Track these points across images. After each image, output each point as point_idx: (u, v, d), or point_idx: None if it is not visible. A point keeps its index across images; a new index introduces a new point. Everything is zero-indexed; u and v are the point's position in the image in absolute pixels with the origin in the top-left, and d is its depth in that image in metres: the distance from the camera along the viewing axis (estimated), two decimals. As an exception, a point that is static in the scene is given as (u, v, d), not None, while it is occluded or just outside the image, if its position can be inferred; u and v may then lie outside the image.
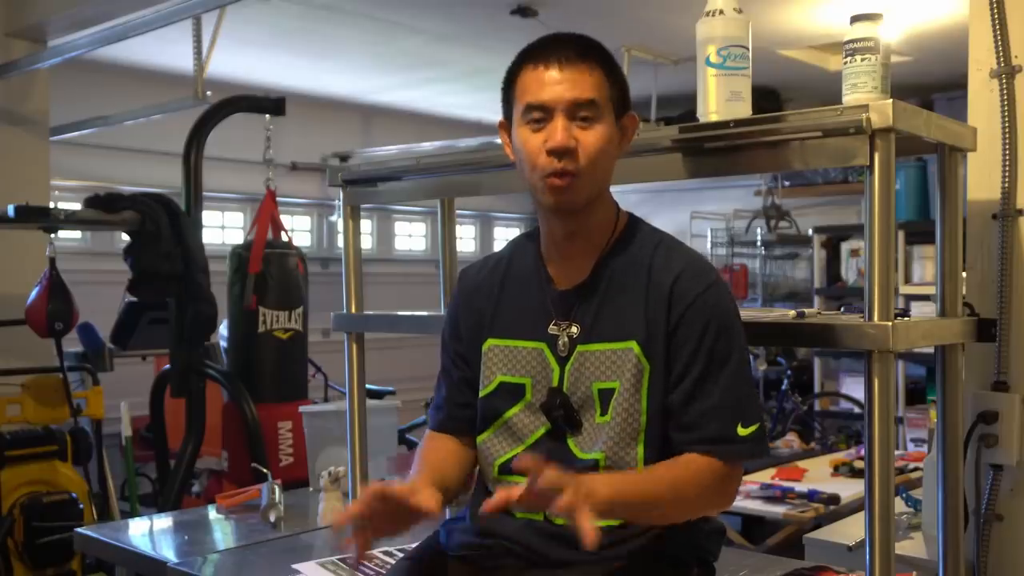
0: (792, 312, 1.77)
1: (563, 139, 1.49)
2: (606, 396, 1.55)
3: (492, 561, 1.61)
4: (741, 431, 1.50)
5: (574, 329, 1.59)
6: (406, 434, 5.13)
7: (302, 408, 3.16)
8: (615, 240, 1.61)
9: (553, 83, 1.50)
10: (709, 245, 7.42)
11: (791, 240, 7.31)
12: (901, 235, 5.51)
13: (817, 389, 6.58)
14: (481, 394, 1.66)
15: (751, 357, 1.65)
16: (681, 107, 5.72)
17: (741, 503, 3.42)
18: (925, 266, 5.73)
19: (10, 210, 3.59)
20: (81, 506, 3.80)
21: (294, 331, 4.13)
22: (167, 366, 4.14)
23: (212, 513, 2.68)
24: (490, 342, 1.66)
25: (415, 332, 2.60)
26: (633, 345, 1.53)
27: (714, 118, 1.72)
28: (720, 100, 1.72)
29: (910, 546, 2.29)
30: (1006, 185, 1.95)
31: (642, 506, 1.47)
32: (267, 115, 4.24)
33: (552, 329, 1.61)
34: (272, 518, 2.47)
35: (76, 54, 3.88)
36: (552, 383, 1.59)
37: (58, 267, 3.72)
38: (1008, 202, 1.95)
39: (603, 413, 1.55)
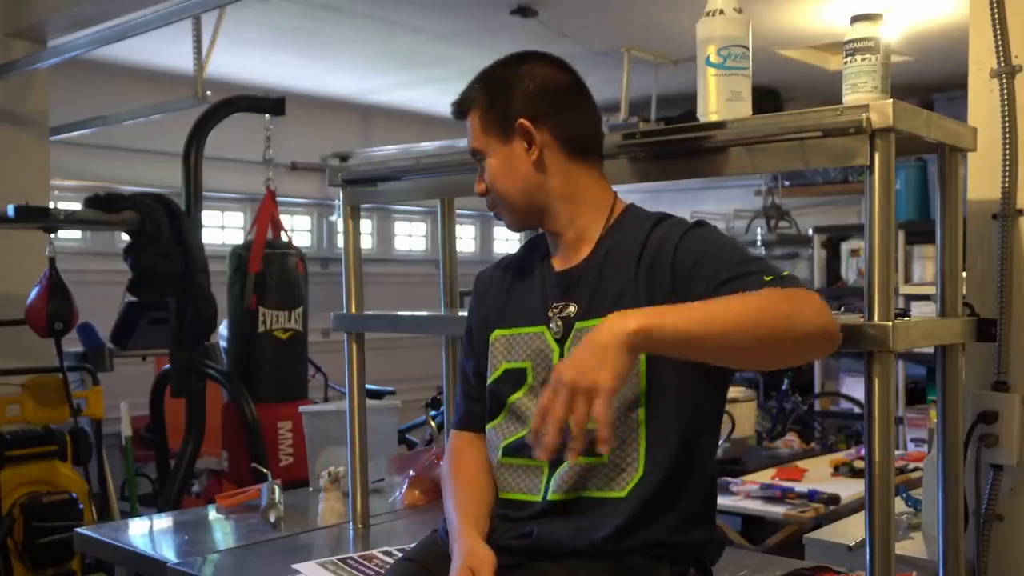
0: (792, 312, 1.76)
1: (477, 189, 1.73)
2: None
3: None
4: (767, 278, 1.45)
5: (572, 308, 1.64)
6: (406, 434, 5.13)
7: (302, 408, 3.16)
8: (611, 226, 1.66)
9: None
10: (709, 245, 7.41)
11: (791, 240, 7.31)
12: (901, 235, 5.51)
13: (817, 389, 6.58)
14: (489, 382, 1.72)
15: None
16: (681, 107, 5.70)
17: (741, 503, 3.42)
18: (925, 266, 5.73)
19: (10, 210, 3.59)
20: (81, 506, 3.80)
21: (294, 331, 4.14)
22: (167, 366, 4.14)
23: (212, 513, 2.68)
24: (496, 332, 1.73)
25: (415, 332, 2.61)
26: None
27: (714, 118, 1.71)
28: (720, 100, 1.72)
29: (910, 546, 2.29)
30: (1006, 185, 1.95)
31: (704, 324, 1.36)
32: (267, 115, 4.24)
33: (551, 311, 1.66)
34: (272, 518, 2.47)
35: (76, 54, 3.88)
36: (552, 363, 1.63)
37: (58, 267, 3.72)
38: (1008, 202, 1.95)
39: None
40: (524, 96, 1.64)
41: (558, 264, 1.70)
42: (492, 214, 1.76)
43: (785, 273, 1.48)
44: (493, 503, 1.68)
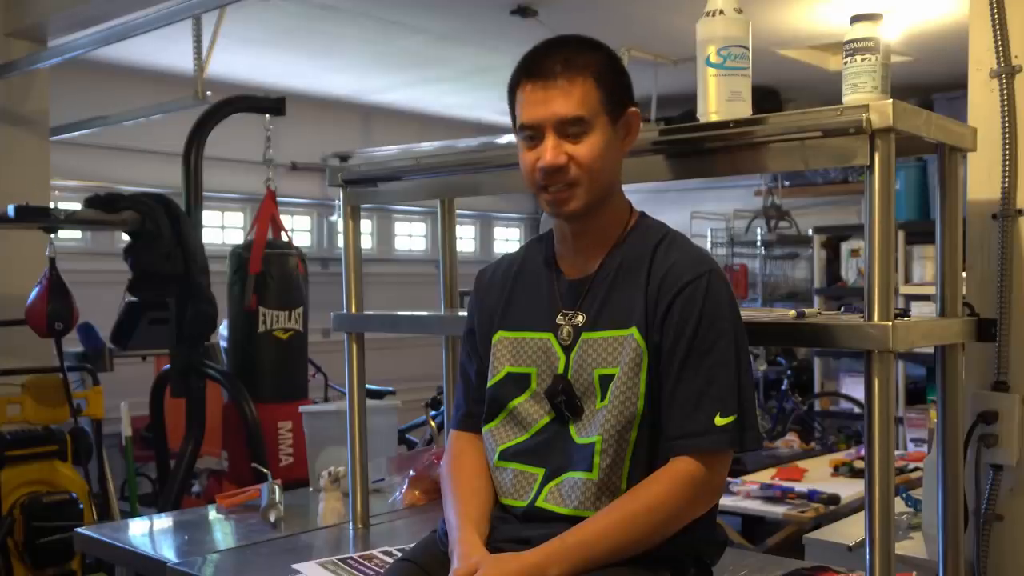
0: (792, 312, 1.77)
1: (551, 159, 1.55)
2: (606, 382, 1.58)
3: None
4: (719, 421, 1.51)
5: (580, 318, 1.63)
6: (406, 434, 5.14)
7: (302, 408, 3.16)
8: (625, 236, 1.65)
9: (539, 102, 1.55)
10: (709, 245, 7.42)
11: (791, 240, 7.31)
12: (901, 235, 5.51)
13: (817, 389, 6.58)
14: (489, 384, 1.70)
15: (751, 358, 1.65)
16: (681, 107, 5.71)
17: (741, 503, 3.42)
18: (925, 266, 5.73)
19: (10, 210, 3.59)
20: (81, 506, 3.80)
21: (294, 331, 4.13)
22: (167, 366, 4.14)
23: (212, 513, 2.68)
24: (500, 334, 1.71)
25: (415, 332, 2.61)
26: (634, 331, 1.56)
27: (714, 118, 1.72)
28: (720, 100, 1.72)
29: (910, 546, 2.30)
30: (1006, 185, 1.95)
31: (600, 556, 1.49)
32: (267, 115, 4.24)
33: (559, 319, 1.65)
34: (272, 518, 2.47)
35: (76, 54, 3.88)
36: (557, 371, 1.62)
37: (58, 267, 3.72)
38: (1008, 202, 1.95)
39: (603, 399, 1.58)
40: (630, 85, 1.62)
41: (568, 270, 1.68)
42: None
43: (731, 419, 1.51)
44: (493, 504, 1.68)
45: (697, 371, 1.53)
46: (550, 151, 1.54)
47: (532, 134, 1.57)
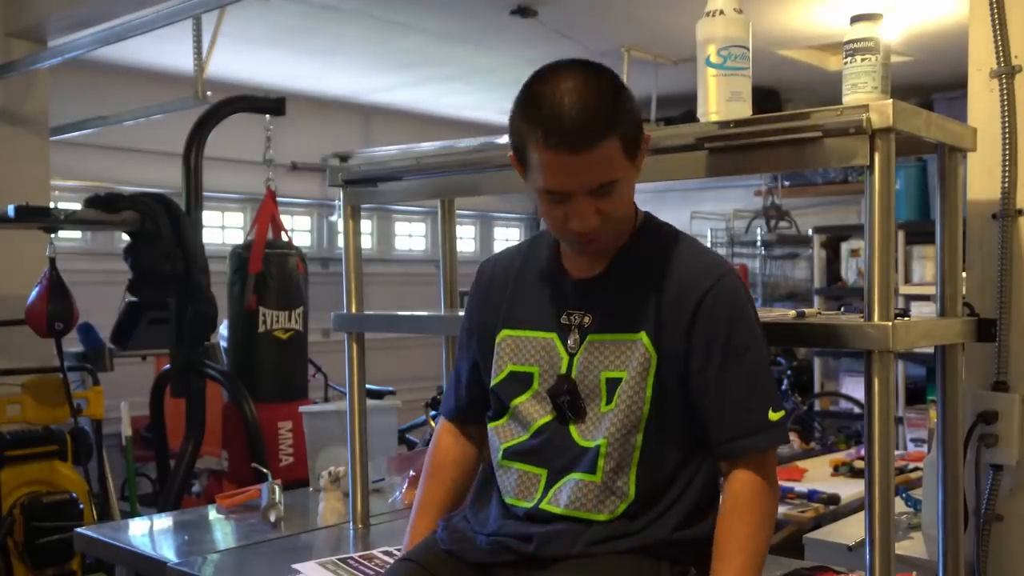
0: (792, 312, 1.77)
1: (587, 225, 1.50)
2: (613, 385, 1.57)
3: (490, 558, 1.63)
4: (772, 416, 1.54)
5: (587, 319, 1.62)
6: (406, 434, 5.13)
7: (302, 408, 3.16)
8: (632, 237, 1.64)
9: (567, 172, 1.46)
10: (709, 245, 7.41)
11: (791, 240, 7.31)
12: (901, 235, 5.50)
13: (817, 389, 6.58)
14: (492, 383, 1.70)
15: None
16: (681, 107, 5.72)
17: (741, 503, 3.41)
18: (925, 266, 5.72)
19: (10, 210, 3.60)
20: (81, 506, 3.81)
21: (294, 331, 4.14)
22: (167, 366, 4.15)
23: (212, 513, 2.68)
24: (504, 333, 1.70)
25: (415, 332, 2.61)
26: (643, 336, 1.56)
27: (714, 118, 1.71)
28: (720, 100, 1.72)
29: (910, 546, 2.29)
30: (1006, 185, 1.95)
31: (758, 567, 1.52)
32: (267, 115, 4.24)
33: (564, 319, 1.64)
34: (272, 518, 2.47)
35: (76, 54, 3.88)
36: (560, 371, 1.62)
37: (58, 267, 3.72)
38: (1008, 202, 1.95)
39: (608, 402, 1.57)
40: (637, 109, 1.54)
41: (574, 270, 1.66)
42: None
43: (783, 413, 1.55)
44: (457, 497, 1.80)
45: (741, 372, 1.54)
46: (583, 217, 1.49)
47: (561, 196, 1.49)
